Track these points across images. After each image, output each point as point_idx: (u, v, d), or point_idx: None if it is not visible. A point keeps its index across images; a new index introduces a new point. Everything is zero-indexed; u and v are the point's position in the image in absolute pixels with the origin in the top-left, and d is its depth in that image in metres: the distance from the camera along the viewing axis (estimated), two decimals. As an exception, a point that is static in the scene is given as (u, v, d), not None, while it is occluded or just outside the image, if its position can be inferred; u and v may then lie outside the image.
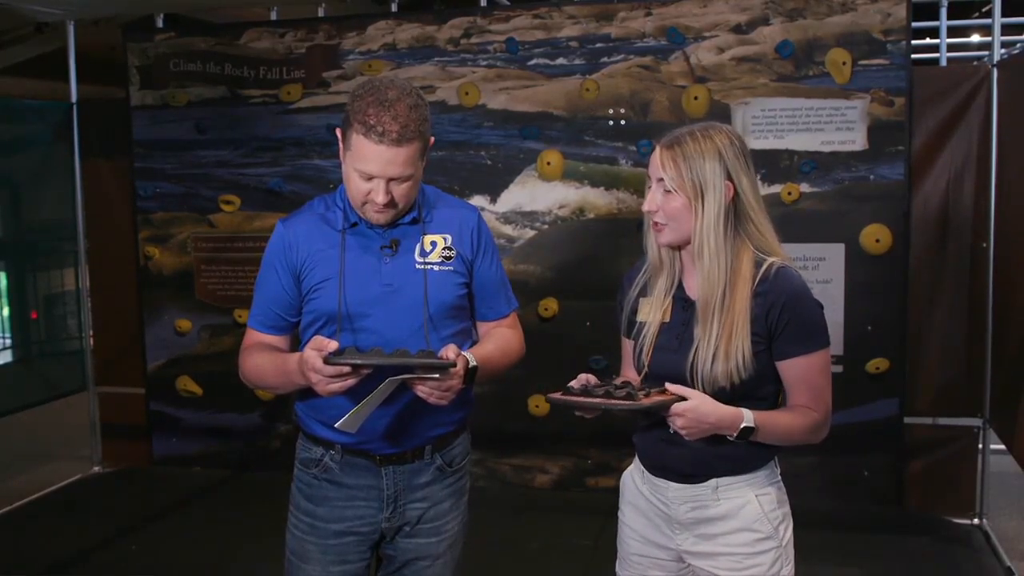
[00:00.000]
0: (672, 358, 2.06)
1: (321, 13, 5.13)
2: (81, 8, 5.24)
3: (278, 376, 2.16)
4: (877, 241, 4.33)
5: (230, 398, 5.15)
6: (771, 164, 4.41)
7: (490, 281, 2.34)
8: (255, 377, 2.24)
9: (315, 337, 2.03)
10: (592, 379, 2.01)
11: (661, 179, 2.04)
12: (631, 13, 4.56)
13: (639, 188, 4.56)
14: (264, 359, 2.20)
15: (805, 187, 4.39)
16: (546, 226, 4.72)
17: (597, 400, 1.92)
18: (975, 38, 8.95)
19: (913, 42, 4.50)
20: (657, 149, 2.06)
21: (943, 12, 5.15)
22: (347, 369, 1.95)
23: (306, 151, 5.00)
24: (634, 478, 2.23)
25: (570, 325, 4.69)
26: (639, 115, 4.57)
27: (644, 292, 2.16)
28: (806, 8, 4.37)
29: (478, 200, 4.75)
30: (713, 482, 2.07)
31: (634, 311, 2.17)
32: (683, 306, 2.09)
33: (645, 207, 2.08)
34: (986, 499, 4.43)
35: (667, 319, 2.10)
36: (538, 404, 4.77)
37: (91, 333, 5.54)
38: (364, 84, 2.09)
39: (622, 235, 4.57)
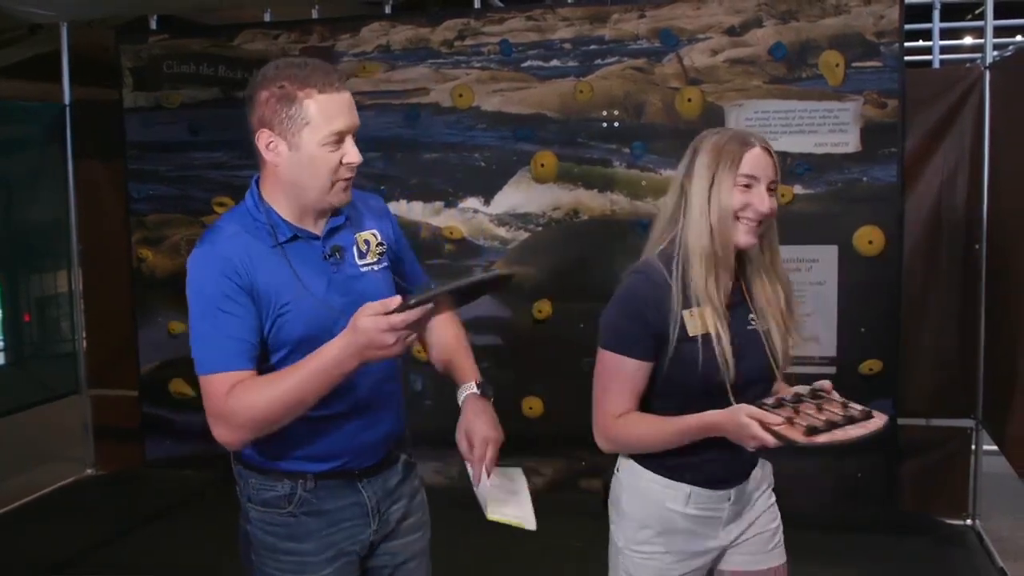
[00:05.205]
0: (757, 362, 2.07)
1: (315, 15, 5.13)
2: (74, 10, 5.24)
3: (313, 381, 1.86)
4: (870, 243, 4.34)
5: (223, 400, 5.13)
6: (764, 166, 4.41)
7: (412, 259, 2.32)
8: (275, 407, 1.89)
9: (365, 306, 1.80)
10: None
11: (773, 180, 2.03)
12: (624, 15, 4.57)
13: (633, 190, 4.56)
14: (281, 379, 1.90)
15: (798, 189, 4.40)
16: (540, 228, 4.72)
17: (856, 434, 1.89)
18: (968, 40, 8.98)
19: (906, 44, 4.51)
20: (760, 150, 2.01)
21: (936, 14, 5.17)
22: (430, 306, 1.77)
23: (300, 153, 4.98)
24: (671, 507, 2.10)
25: (564, 327, 4.69)
26: (632, 117, 4.57)
27: (685, 304, 2.03)
28: (799, 10, 4.38)
29: (472, 202, 4.75)
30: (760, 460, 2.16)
31: (670, 329, 2.01)
32: (738, 307, 2.10)
33: (765, 208, 2.00)
34: (979, 500, 4.44)
35: (729, 324, 2.04)
36: (531, 406, 4.77)
37: (84, 335, 5.54)
38: (271, 70, 1.97)
39: (616, 237, 4.57)
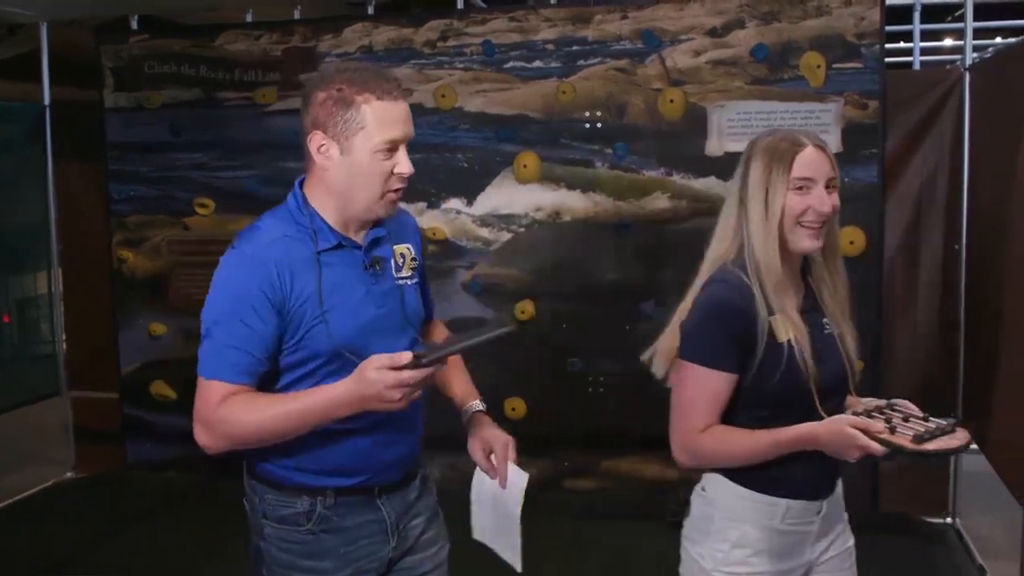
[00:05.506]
0: (835, 366, 2.04)
1: (297, 15, 5.11)
2: (54, 9, 5.20)
3: (305, 418, 1.88)
4: (851, 243, 4.35)
5: (205, 402, 5.11)
6: (746, 167, 4.43)
7: (426, 280, 2.32)
8: (260, 431, 1.91)
9: (373, 357, 1.81)
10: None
11: (832, 178, 1.99)
12: (607, 16, 4.57)
13: (615, 191, 4.57)
14: (274, 405, 1.91)
15: (780, 189, 4.40)
16: (522, 229, 4.72)
17: (956, 444, 1.85)
18: (948, 42, 9.04)
19: (887, 45, 4.53)
20: (812, 148, 1.97)
21: (916, 16, 5.20)
22: (441, 365, 1.81)
23: (282, 153, 4.96)
24: (768, 523, 2.03)
25: (547, 327, 4.68)
26: (615, 117, 4.58)
27: (770, 311, 1.97)
28: (781, 12, 4.39)
29: (454, 203, 4.75)
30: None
31: (758, 336, 1.95)
32: (812, 312, 2.06)
33: (827, 209, 1.97)
34: (959, 498, 4.47)
35: (808, 329, 2.00)
36: (514, 407, 4.76)
37: (64, 337, 5.50)
38: (331, 71, 1.99)
39: (598, 238, 4.58)
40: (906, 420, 1.91)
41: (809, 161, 1.96)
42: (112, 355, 5.30)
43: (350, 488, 2.04)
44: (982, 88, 4.20)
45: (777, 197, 1.96)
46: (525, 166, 4.68)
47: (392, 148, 1.94)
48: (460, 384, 2.27)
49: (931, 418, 1.93)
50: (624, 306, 4.58)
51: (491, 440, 2.13)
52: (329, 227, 1.99)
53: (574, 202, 4.64)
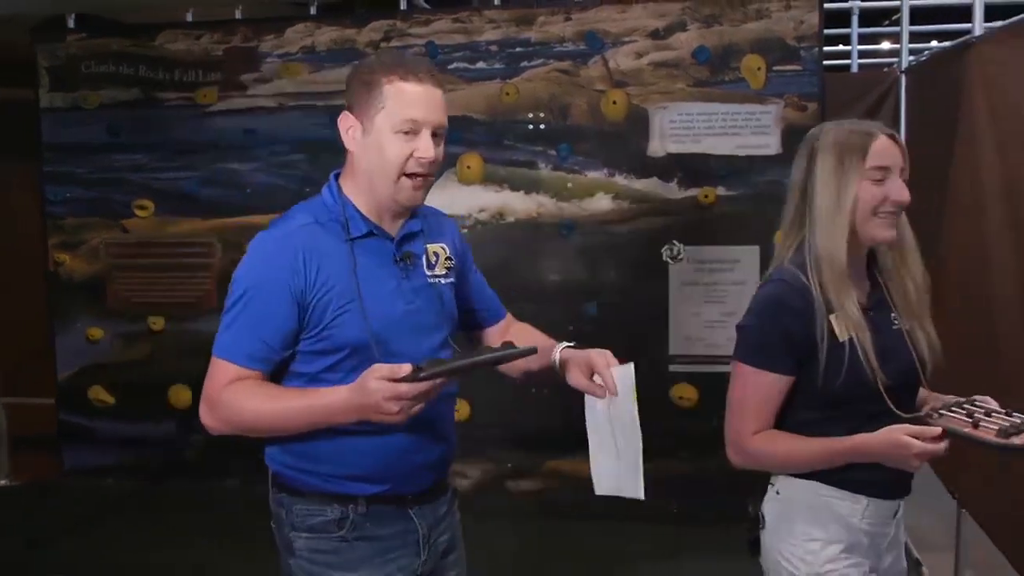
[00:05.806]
0: (902, 364, 1.96)
1: (238, 15, 5.05)
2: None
3: (303, 417, 1.89)
4: (791, 244, 4.40)
5: (143, 407, 5.04)
6: (688, 167, 4.46)
7: (483, 281, 2.29)
8: (258, 422, 1.91)
9: (375, 367, 1.77)
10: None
11: (904, 168, 1.95)
12: (550, 18, 4.59)
13: (559, 192, 4.58)
14: (275, 399, 1.90)
15: (721, 190, 4.45)
16: (466, 230, 4.70)
17: None
18: (885, 45, 9.20)
19: (825, 48, 4.60)
20: (886, 138, 1.94)
21: (854, 20, 5.29)
22: (441, 381, 1.76)
23: (223, 154, 4.91)
24: (851, 521, 1.97)
25: (491, 329, 4.67)
26: (558, 119, 4.59)
27: (828, 309, 1.91)
28: (722, 15, 4.44)
29: (398, 204, 4.72)
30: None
31: (817, 336, 1.90)
32: (880, 308, 2.00)
33: (906, 197, 1.94)
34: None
35: (874, 325, 1.94)
36: (457, 408, 4.73)
37: (-2, 342, 5.40)
38: (369, 58, 1.97)
39: (542, 239, 4.58)
40: (988, 415, 1.85)
41: (884, 150, 1.92)
42: (48, 360, 5.20)
43: (380, 495, 1.98)
44: (917, 90, 4.28)
45: (850, 188, 1.92)
46: (468, 167, 4.68)
47: (413, 130, 1.89)
48: (540, 339, 2.19)
49: (1014, 413, 1.86)
50: (567, 306, 4.59)
51: (588, 359, 1.99)
52: (361, 215, 1.97)
53: (517, 203, 4.64)
